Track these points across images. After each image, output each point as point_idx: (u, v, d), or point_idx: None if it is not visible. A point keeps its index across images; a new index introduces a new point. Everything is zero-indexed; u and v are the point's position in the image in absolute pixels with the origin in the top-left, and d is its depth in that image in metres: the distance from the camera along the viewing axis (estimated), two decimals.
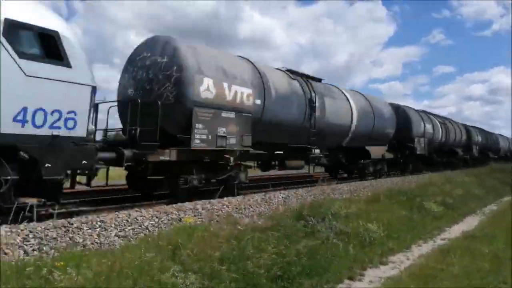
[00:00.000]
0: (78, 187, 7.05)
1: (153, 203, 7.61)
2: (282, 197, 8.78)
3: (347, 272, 5.48)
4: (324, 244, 5.89)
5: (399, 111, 18.77)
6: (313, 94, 11.51)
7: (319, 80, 13.41)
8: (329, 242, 6.06)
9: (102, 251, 4.95)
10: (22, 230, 4.89)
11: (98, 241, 5.29)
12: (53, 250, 4.77)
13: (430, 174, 18.30)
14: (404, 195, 10.89)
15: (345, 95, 13.96)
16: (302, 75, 12.20)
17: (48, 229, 5.07)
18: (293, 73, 11.82)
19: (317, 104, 11.55)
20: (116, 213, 6.10)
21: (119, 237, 5.52)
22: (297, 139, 11.14)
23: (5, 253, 4.53)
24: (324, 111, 12.04)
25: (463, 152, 27.93)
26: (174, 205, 6.91)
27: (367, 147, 14.96)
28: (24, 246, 4.69)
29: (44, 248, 4.78)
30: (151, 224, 6.11)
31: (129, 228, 5.79)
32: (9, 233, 4.77)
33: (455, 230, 9.13)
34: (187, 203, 7.19)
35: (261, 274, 4.55)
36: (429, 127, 20.94)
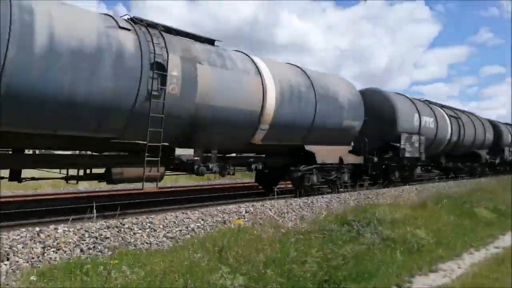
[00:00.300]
0: None
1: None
2: (325, 202, 8.71)
3: (395, 278, 5.34)
4: (370, 250, 5.78)
5: (375, 97, 13.59)
6: (165, 56, 6.90)
7: (209, 41, 8.54)
8: (375, 247, 5.93)
9: (152, 251, 5.16)
10: (78, 229, 5.18)
11: (148, 242, 5.51)
12: (107, 249, 5.04)
13: (427, 185, 14.43)
14: (452, 200, 10.44)
15: (255, 64, 8.85)
16: (152, 26, 7.32)
17: (102, 229, 5.35)
18: (135, 22, 7.16)
19: (175, 73, 7.03)
20: (164, 215, 6.31)
21: (167, 238, 5.72)
22: (131, 131, 6.77)
23: (64, 251, 4.84)
24: (193, 86, 7.31)
25: (490, 155, 22.08)
26: (218, 208, 7.05)
27: (308, 147, 10.11)
28: (81, 244, 4.98)
29: (99, 247, 5.05)
30: (197, 226, 6.28)
31: (176, 229, 5.99)
32: (67, 232, 5.08)
33: (510, 238, 8.63)
34: (231, 205, 7.31)
35: (307, 278, 4.54)
36: (428, 121, 15.51)
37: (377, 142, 12.97)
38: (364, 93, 13.00)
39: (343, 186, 11.30)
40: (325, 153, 10.54)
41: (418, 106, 15.20)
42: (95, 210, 5.45)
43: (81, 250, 4.90)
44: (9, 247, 4.50)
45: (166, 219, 6.14)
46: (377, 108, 13.09)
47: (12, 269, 4.28)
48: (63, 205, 8.51)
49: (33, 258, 4.51)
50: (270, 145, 9.43)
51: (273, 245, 5.14)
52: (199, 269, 4.18)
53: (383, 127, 13.15)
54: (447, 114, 17.81)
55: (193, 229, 6.16)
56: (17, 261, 4.40)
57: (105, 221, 5.57)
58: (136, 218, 5.94)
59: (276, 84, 8.97)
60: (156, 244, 5.52)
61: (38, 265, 4.41)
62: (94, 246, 5.02)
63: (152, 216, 6.19)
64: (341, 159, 11.16)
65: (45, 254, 4.62)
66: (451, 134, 17.50)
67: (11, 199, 8.90)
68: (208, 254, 4.71)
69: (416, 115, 14.66)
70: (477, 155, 20.85)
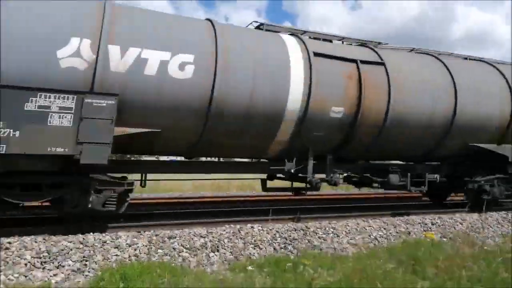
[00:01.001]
0: None
1: None
2: None
3: None
4: None
5: None
6: None
7: None
8: None
9: (337, 256, 5.18)
10: (271, 229, 5.61)
11: (332, 246, 5.57)
12: (295, 250, 5.30)
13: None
14: None
15: None
16: None
17: (290, 231, 5.66)
18: None
19: None
20: (346, 221, 6.30)
21: (350, 245, 5.68)
22: None
23: (260, 248, 5.29)
24: None
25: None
26: (401, 218, 6.67)
27: None
28: (274, 243, 5.37)
29: (289, 247, 5.35)
30: (379, 235, 6.05)
31: (359, 237, 5.89)
32: (261, 231, 5.55)
33: None
34: (414, 216, 6.82)
35: None
36: (156, 59, 5.16)
37: None
38: None
39: None
40: None
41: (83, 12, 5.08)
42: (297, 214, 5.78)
43: (274, 249, 5.28)
44: (217, 240, 5.17)
45: (348, 225, 6.11)
46: None
47: (220, 260, 4.90)
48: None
49: (236, 252, 5.08)
50: None
51: (478, 263, 4.54)
52: (395, 279, 3.99)
53: None
54: (304, 47, 6.41)
55: (375, 238, 5.97)
56: (224, 253, 5.02)
57: (292, 224, 5.88)
58: (319, 223, 6.09)
59: None
60: (340, 249, 5.53)
61: (240, 258, 4.94)
62: (285, 246, 5.34)
63: (334, 221, 6.25)
64: None
65: (245, 249, 5.14)
66: (303, 99, 6.12)
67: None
68: (401, 265, 4.47)
69: (73, 40, 4.81)
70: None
